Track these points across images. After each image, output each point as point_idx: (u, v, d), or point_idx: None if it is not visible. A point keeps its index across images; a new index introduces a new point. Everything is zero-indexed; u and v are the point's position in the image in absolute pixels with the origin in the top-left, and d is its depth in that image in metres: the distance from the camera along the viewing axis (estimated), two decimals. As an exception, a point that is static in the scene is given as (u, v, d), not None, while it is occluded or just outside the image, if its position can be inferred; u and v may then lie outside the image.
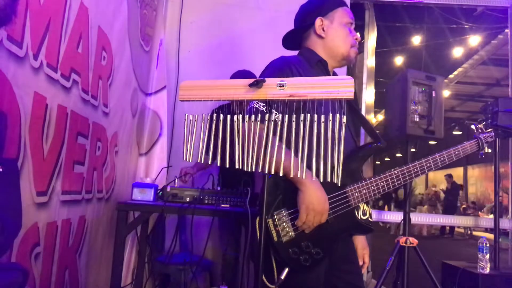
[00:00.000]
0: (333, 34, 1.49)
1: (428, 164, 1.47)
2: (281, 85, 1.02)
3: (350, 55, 1.52)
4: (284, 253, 1.28)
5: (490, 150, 1.70)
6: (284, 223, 1.29)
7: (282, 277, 1.26)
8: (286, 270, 1.27)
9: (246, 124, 1.04)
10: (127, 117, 2.43)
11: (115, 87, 2.18)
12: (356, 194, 1.37)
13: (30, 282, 1.47)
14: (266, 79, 1.04)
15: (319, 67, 1.51)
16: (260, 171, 1.01)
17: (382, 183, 1.41)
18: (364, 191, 1.38)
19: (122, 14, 2.20)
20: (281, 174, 1.07)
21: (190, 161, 1.09)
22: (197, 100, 1.09)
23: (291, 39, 1.62)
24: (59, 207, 1.66)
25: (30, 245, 1.46)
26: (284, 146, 1.01)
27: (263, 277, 1.20)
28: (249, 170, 1.01)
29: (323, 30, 1.49)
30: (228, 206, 2.04)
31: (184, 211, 2.00)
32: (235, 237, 2.76)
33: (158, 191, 2.19)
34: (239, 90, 1.06)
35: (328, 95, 1.00)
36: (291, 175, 0.99)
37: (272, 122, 1.00)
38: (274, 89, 1.03)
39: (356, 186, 1.38)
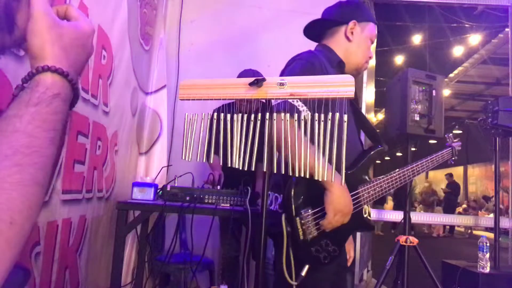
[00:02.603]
0: (359, 42, 1.52)
1: (413, 170, 1.60)
2: (281, 84, 1.02)
3: (362, 68, 1.58)
4: (308, 251, 1.31)
5: (456, 157, 1.93)
6: (309, 222, 1.30)
7: (303, 273, 1.29)
8: (307, 267, 1.30)
9: (279, 121, 1.03)
10: (127, 116, 2.43)
11: (115, 86, 2.18)
12: (366, 194, 1.42)
13: (31, 282, 1.47)
14: (266, 78, 1.03)
15: (337, 68, 1.52)
16: (289, 173, 0.99)
17: (385, 185, 1.48)
18: (371, 191, 1.44)
19: (122, 13, 2.20)
20: (307, 176, 1.04)
21: (190, 160, 1.09)
22: (197, 99, 1.09)
23: (312, 28, 1.61)
24: (60, 206, 1.66)
25: (31, 244, 1.45)
26: (317, 148, 1.00)
27: (286, 274, 1.23)
28: (278, 172, 1.01)
29: (352, 34, 1.52)
30: (228, 205, 2.04)
31: (184, 210, 2.00)
32: (235, 237, 2.76)
33: (158, 191, 2.19)
34: (239, 89, 1.06)
35: (328, 94, 1.00)
36: (324, 178, 0.99)
37: (302, 121, 0.99)
38: (274, 88, 1.03)
39: (367, 187, 1.43)
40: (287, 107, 1.23)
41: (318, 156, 1.06)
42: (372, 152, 1.51)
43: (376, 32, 1.60)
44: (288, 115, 1.02)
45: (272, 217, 1.42)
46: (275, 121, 1.04)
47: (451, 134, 1.99)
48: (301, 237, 1.28)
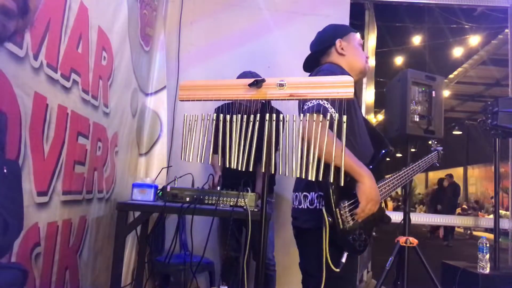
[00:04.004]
0: (352, 52, 1.69)
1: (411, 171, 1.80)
2: (281, 85, 1.02)
3: (366, 69, 1.73)
4: (346, 239, 1.43)
5: (440, 160, 2.17)
6: (346, 213, 1.42)
7: (343, 260, 1.42)
8: (346, 254, 1.43)
9: (308, 122, 1.11)
10: (127, 117, 2.43)
11: (116, 87, 2.19)
12: (383, 190, 1.57)
13: (30, 282, 1.47)
14: (265, 78, 1.04)
15: None
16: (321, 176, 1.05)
17: (395, 181, 1.64)
18: (387, 187, 1.59)
19: (122, 14, 2.20)
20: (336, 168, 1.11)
21: (191, 161, 1.09)
22: (197, 100, 1.09)
23: (309, 63, 1.76)
24: (60, 207, 1.66)
25: (31, 245, 1.46)
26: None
27: (330, 261, 1.35)
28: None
29: (343, 49, 1.68)
30: (228, 206, 2.04)
31: (184, 211, 2.00)
32: (235, 237, 2.76)
33: (158, 191, 2.19)
34: (239, 90, 1.06)
35: (328, 95, 1.00)
36: (357, 170, 1.27)
37: (328, 121, 1.08)
38: (274, 89, 1.03)
39: (383, 183, 1.58)
40: (321, 109, 1.33)
41: (350, 154, 1.36)
42: (383, 153, 1.65)
43: (359, 36, 1.76)
44: (321, 116, 1.10)
45: (303, 214, 1.54)
46: (308, 123, 1.10)
47: (433, 141, 2.26)
48: (341, 226, 1.40)
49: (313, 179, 1.06)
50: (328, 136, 1.07)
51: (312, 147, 1.06)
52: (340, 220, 1.40)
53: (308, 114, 1.21)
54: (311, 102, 1.37)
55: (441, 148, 2.20)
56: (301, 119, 1.10)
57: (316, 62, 1.72)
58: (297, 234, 1.61)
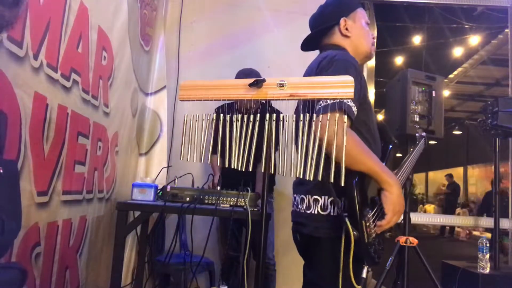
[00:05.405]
0: (358, 33, 1.51)
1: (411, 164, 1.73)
2: (281, 85, 1.02)
3: (371, 52, 1.56)
4: (368, 252, 1.28)
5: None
6: (371, 224, 1.28)
7: (364, 275, 1.30)
8: (366, 268, 1.31)
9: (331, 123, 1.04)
10: (127, 117, 2.43)
11: (116, 87, 2.18)
12: None
13: (30, 282, 1.47)
14: (266, 78, 1.04)
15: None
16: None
17: (400, 177, 1.53)
18: None
19: (122, 14, 2.20)
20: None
21: (191, 161, 1.09)
22: (197, 100, 1.09)
23: (308, 41, 1.61)
24: (60, 207, 1.66)
25: (31, 245, 1.46)
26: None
27: (353, 279, 1.19)
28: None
29: (347, 30, 1.51)
30: (228, 206, 2.04)
31: (184, 211, 2.00)
32: (235, 237, 2.76)
33: (158, 191, 2.19)
34: (239, 90, 1.06)
35: (328, 95, 1.00)
36: (385, 177, 1.15)
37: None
38: (274, 89, 1.03)
39: None
40: (344, 107, 1.18)
41: (376, 158, 1.23)
42: (391, 147, 1.53)
43: (365, 13, 1.58)
44: (346, 117, 1.00)
45: (314, 221, 1.36)
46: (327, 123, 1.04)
47: (417, 126, 2.18)
48: (366, 240, 1.25)
49: (333, 182, 0.96)
50: (353, 137, 1.00)
51: (329, 147, 0.99)
52: (365, 233, 1.24)
53: (328, 112, 1.13)
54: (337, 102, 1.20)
55: (425, 134, 2.12)
56: (317, 117, 1.00)
57: (317, 42, 1.57)
58: (304, 241, 1.42)
